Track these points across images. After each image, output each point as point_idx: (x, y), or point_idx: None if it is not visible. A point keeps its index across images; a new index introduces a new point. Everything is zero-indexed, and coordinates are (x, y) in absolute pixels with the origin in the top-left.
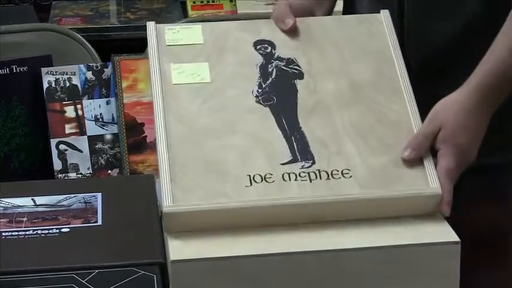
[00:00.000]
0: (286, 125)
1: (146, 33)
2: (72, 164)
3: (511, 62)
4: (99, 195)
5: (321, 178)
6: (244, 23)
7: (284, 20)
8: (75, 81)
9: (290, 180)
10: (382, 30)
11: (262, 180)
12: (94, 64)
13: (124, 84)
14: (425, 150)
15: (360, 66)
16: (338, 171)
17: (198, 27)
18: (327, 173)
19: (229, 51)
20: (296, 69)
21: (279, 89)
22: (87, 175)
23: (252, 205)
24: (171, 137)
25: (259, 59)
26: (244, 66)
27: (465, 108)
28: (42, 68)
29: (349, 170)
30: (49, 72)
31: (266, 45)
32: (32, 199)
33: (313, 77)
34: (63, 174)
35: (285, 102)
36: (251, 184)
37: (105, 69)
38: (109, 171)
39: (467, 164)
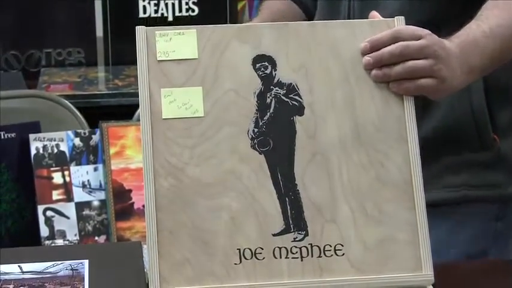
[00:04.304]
0: (281, 182)
1: (134, 100)
2: (59, 230)
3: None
4: (86, 262)
5: (312, 255)
6: (244, 30)
7: None
8: (63, 147)
9: (281, 257)
10: None
11: (252, 257)
12: (82, 131)
13: (112, 150)
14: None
15: (366, 97)
16: (331, 246)
17: (192, 33)
18: (319, 248)
19: (225, 71)
20: (296, 100)
21: (277, 129)
22: (74, 242)
23: None
24: (159, 196)
25: (258, 84)
26: (241, 94)
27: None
28: (30, 135)
29: (342, 246)
30: (37, 139)
31: (266, 64)
32: (18, 266)
33: (314, 113)
34: (50, 241)
35: (281, 149)
36: (240, 262)
37: (92, 136)
38: (96, 238)
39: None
